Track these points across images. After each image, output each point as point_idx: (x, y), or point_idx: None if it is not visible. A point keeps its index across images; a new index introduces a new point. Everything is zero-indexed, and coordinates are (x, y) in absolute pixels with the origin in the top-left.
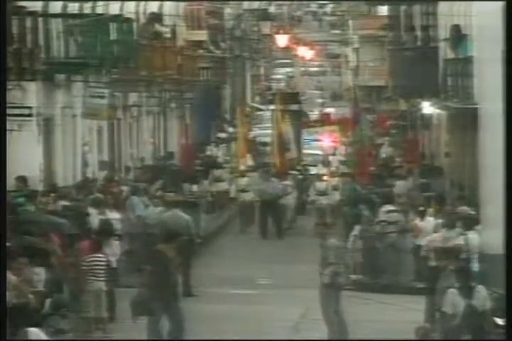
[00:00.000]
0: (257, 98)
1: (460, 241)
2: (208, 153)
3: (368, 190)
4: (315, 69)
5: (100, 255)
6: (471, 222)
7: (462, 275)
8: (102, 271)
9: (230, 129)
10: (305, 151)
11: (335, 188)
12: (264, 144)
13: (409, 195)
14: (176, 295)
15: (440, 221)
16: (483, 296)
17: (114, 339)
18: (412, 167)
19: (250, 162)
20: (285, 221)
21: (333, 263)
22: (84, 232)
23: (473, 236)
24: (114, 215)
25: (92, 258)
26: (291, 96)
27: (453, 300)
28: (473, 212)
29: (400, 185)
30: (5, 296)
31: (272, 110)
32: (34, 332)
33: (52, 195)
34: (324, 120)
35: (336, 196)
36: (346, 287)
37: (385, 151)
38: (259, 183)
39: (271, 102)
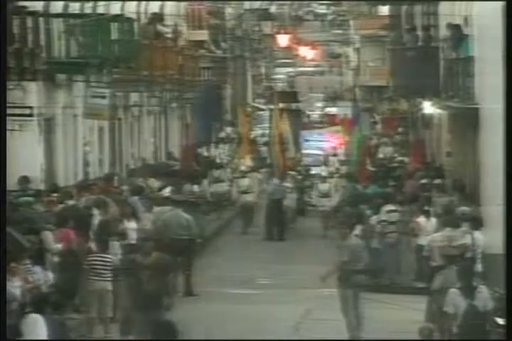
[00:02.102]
0: (258, 98)
1: (467, 240)
2: (208, 153)
3: (370, 190)
4: (316, 69)
5: (103, 255)
6: (477, 222)
7: (464, 275)
8: (104, 271)
9: (231, 129)
10: (306, 151)
11: (337, 189)
12: (265, 144)
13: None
14: (157, 308)
15: (442, 220)
16: (484, 296)
17: (114, 339)
18: (417, 167)
19: (250, 162)
20: (286, 222)
21: (351, 263)
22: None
23: (478, 236)
24: (131, 225)
25: (94, 258)
26: (290, 95)
27: (454, 300)
28: (476, 212)
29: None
30: (5, 296)
31: (271, 109)
32: (34, 317)
33: (53, 195)
34: (326, 120)
35: (338, 197)
36: (359, 287)
37: (385, 151)
38: (262, 184)
39: (270, 101)
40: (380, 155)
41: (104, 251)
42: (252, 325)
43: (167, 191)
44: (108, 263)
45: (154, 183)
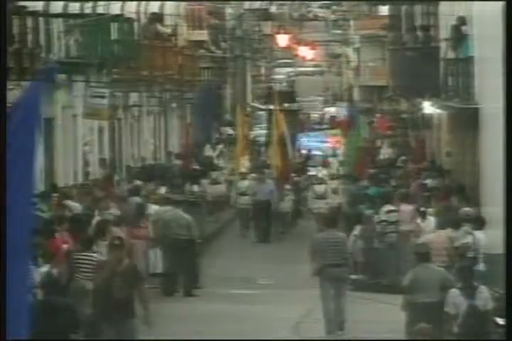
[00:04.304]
0: (258, 98)
1: (468, 239)
2: (208, 153)
3: (370, 190)
4: (316, 69)
5: (89, 253)
6: (479, 222)
7: (465, 275)
8: (91, 270)
9: (231, 130)
10: (304, 152)
11: (334, 191)
12: (265, 145)
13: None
14: (123, 315)
15: (442, 221)
16: (485, 296)
17: (110, 339)
18: (417, 167)
19: (248, 163)
20: (282, 224)
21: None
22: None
23: (480, 236)
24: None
25: (79, 256)
26: (289, 96)
27: (455, 300)
28: (477, 212)
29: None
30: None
31: (270, 110)
32: None
33: (53, 195)
34: (325, 121)
35: (336, 199)
36: (340, 280)
37: (384, 152)
38: (253, 186)
39: (269, 102)
40: (380, 156)
41: (93, 250)
42: (251, 325)
43: (166, 191)
44: (93, 262)
45: (154, 183)
